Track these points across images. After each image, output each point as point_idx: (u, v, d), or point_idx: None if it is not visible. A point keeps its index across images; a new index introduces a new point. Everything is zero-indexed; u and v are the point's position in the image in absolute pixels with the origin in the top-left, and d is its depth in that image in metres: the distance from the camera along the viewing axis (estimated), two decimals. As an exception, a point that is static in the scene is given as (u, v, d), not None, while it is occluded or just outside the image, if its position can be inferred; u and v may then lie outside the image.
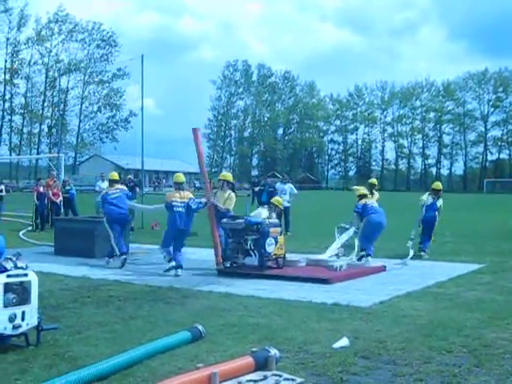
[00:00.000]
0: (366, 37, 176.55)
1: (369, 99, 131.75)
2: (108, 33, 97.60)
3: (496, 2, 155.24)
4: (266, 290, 9.36)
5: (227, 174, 12.93)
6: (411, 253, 13.61)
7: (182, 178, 12.46)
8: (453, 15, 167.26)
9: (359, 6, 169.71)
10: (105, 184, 22.92)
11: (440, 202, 15.09)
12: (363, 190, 14.24)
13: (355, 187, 16.11)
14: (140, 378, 4.99)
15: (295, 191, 21.32)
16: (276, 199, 12.69)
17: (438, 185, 15.73)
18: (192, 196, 12.16)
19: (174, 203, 11.65)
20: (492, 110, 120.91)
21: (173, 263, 11.35)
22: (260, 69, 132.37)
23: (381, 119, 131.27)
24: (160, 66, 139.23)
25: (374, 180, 15.70)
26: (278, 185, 21.04)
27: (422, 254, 14.41)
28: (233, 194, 12.14)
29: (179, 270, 11.18)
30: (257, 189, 39.34)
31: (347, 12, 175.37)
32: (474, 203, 49.78)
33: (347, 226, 13.52)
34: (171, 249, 11.54)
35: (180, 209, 11.61)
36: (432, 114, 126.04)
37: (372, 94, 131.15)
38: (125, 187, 13.85)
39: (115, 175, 13.78)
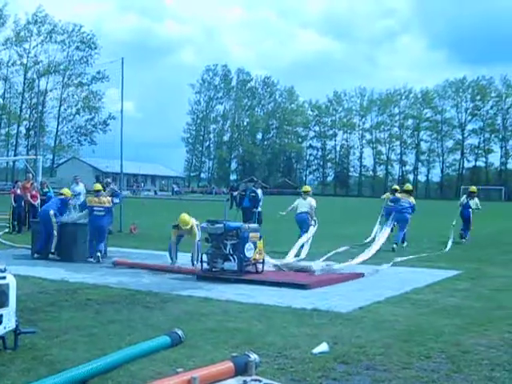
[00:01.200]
0: (346, 44, 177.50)
1: (348, 106, 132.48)
2: (88, 35, 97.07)
3: (475, 11, 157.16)
4: (245, 295, 9.35)
5: None
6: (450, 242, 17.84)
7: (99, 186, 14.63)
8: (433, 24, 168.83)
9: (341, 14, 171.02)
10: (79, 187, 22.77)
11: (473, 201, 20.83)
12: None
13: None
14: (119, 383, 4.96)
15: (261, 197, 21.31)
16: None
17: (473, 188, 22.14)
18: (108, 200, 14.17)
19: (94, 207, 13.69)
20: (469, 118, 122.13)
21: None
22: (239, 73, 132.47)
23: (359, 126, 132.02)
24: (140, 69, 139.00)
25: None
26: (260, 190, 21.08)
27: (463, 240, 19.80)
28: None
29: (98, 254, 13.22)
30: (235, 193, 39.57)
31: (329, 19, 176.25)
32: (450, 210, 50.16)
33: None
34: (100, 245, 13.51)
35: (98, 212, 13.68)
36: (410, 121, 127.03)
37: (351, 101, 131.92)
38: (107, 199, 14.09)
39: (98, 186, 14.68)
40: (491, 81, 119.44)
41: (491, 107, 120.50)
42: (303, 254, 14.27)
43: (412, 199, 18.45)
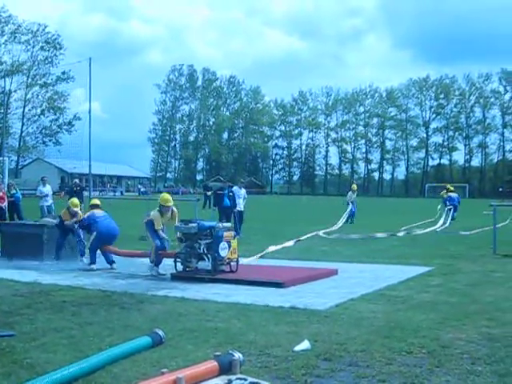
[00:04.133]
0: (312, 43, 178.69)
1: (313, 105, 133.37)
2: (53, 35, 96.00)
3: (440, 11, 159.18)
4: (221, 294, 9.32)
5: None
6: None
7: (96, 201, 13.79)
8: (398, 24, 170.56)
9: (307, 13, 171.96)
10: (46, 188, 22.49)
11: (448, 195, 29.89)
12: None
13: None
14: (102, 385, 4.91)
15: (246, 196, 21.56)
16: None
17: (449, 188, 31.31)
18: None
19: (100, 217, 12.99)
20: (433, 116, 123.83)
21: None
22: (205, 73, 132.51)
23: (325, 125, 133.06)
24: (106, 70, 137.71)
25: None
26: (235, 188, 21.12)
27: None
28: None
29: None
30: (209, 193, 39.54)
31: (295, 18, 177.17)
32: (416, 207, 50.83)
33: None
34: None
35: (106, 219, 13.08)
36: (375, 120, 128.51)
37: (316, 100, 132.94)
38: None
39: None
40: (454, 79, 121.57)
41: (455, 105, 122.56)
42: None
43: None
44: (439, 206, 29.85)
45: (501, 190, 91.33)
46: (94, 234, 12.62)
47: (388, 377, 5.19)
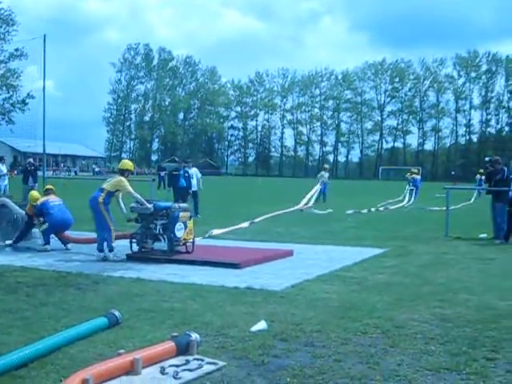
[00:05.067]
0: (269, 24, 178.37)
1: (269, 86, 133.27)
2: (6, 11, 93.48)
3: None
4: (177, 275, 9.30)
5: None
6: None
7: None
8: (356, 7, 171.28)
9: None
10: (3, 168, 22.08)
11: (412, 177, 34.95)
12: None
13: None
14: (60, 366, 4.85)
15: (199, 175, 21.45)
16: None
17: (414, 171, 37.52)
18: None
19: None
20: (388, 99, 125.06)
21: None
22: (161, 53, 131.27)
23: (281, 106, 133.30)
24: (61, 47, 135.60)
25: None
26: (196, 170, 21.11)
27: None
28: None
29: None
30: (163, 173, 39.29)
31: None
32: (376, 189, 51.50)
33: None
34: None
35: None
36: (331, 103, 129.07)
37: (273, 81, 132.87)
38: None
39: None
40: (410, 64, 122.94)
41: (409, 89, 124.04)
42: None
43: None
44: (407, 187, 34.27)
45: (453, 173, 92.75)
46: (47, 224, 12.36)
47: (344, 356, 5.27)
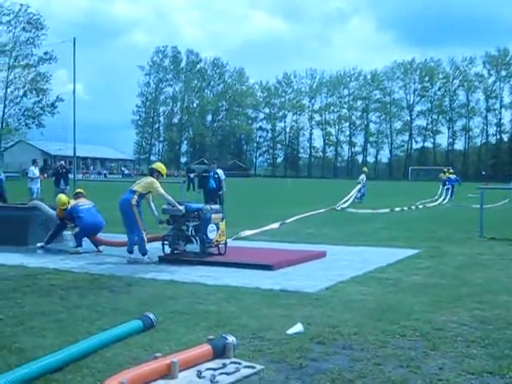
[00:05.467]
0: (297, 25, 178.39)
1: (297, 87, 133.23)
2: (35, 15, 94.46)
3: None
4: (210, 277, 9.23)
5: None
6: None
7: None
8: (382, 6, 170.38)
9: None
10: (37, 170, 22.28)
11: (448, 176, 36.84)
12: None
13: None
14: (95, 369, 4.79)
15: (223, 177, 21.26)
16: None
17: (449, 170, 38.89)
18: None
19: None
20: (417, 99, 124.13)
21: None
22: (189, 55, 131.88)
23: (309, 107, 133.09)
24: (89, 51, 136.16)
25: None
26: (221, 171, 20.97)
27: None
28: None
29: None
30: (192, 175, 39.37)
31: (279, 0, 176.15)
32: (409, 189, 51.10)
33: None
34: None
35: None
36: (359, 103, 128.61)
37: (301, 82, 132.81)
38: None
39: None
40: (439, 63, 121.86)
41: (439, 89, 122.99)
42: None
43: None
44: (440, 187, 36.67)
45: (484, 173, 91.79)
46: (78, 228, 12.34)
47: (383, 360, 5.14)
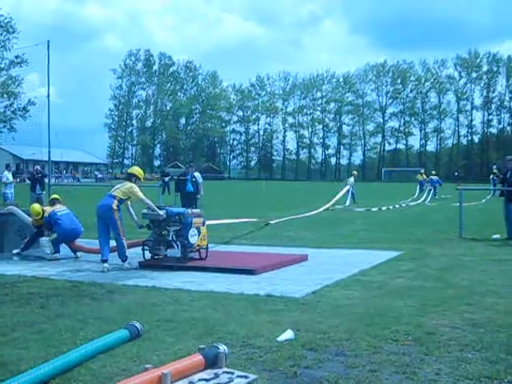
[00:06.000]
0: (270, 28, 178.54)
1: (271, 90, 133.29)
2: (5, 18, 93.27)
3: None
4: (193, 283, 9.06)
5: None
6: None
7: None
8: (355, 10, 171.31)
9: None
10: (10, 175, 21.90)
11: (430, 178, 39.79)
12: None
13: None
14: (82, 382, 4.61)
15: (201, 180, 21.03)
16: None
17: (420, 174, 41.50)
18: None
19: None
20: (390, 101, 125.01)
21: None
22: (161, 58, 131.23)
23: (282, 110, 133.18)
24: (62, 54, 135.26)
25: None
26: (198, 174, 20.78)
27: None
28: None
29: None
30: (167, 179, 39.09)
31: (252, 3, 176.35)
32: (385, 190, 51.36)
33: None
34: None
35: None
36: (332, 105, 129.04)
37: (274, 85, 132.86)
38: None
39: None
40: (411, 65, 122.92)
41: (411, 91, 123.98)
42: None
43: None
44: (417, 188, 40.12)
45: (456, 174, 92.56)
46: (56, 235, 12.12)
47: (378, 366, 5.03)
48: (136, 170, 11.70)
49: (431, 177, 40.68)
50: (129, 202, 11.40)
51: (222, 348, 4.98)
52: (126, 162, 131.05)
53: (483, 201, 31.89)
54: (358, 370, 4.95)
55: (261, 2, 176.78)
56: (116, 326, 6.10)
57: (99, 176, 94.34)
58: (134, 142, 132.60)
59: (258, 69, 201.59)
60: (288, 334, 5.89)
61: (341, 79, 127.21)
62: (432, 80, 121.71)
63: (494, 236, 15.30)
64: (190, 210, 11.18)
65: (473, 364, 5.10)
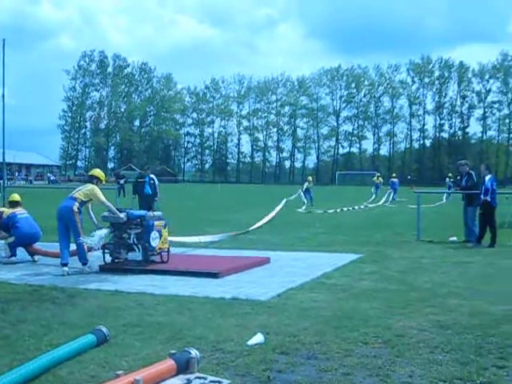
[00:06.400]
0: (225, 31, 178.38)
1: (225, 92, 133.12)
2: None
3: (352, 4, 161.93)
4: (156, 286, 8.93)
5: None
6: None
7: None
8: (311, 14, 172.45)
9: (219, 1, 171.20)
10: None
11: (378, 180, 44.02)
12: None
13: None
14: (51, 390, 4.49)
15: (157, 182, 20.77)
16: None
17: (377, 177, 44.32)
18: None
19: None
20: (344, 105, 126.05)
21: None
22: (116, 59, 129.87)
23: (237, 113, 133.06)
24: (14, 54, 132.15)
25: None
26: (154, 177, 20.48)
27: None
28: None
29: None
30: (122, 181, 38.64)
31: (206, 6, 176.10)
32: (343, 194, 51.68)
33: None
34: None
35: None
36: (287, 109, 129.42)
37: (229, 88, 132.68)
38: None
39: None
40: (365, 70, 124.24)
41: (364, 95, 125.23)
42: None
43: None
44: (372, 190, 42.37)
45: (409, 177, 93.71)
46: (13, 238, 11.83)
47: (351, 369, 5.01)
48: (98, 172, 11.51)
49: (392, 179, 42.28)
50: (89, 205, 11.20)
51: (194, 353, 4.90)
52: (79, 163, 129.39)
53: (437, 203, 32.39)
54: (331, 374, 4.92)
55: (215, 4, 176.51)
56: (80, 331, 5.95)
57: (52, 178, 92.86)
58: (88, 144, 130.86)
59: (212, 71, 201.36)
60: (258, 338, 5.83)
61: (295, 83, 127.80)
62: (385, 85, 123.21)
63: (451, 238, 15.50)
64: (151, 213, 11.03)
65: (444, 366, 5.11)
